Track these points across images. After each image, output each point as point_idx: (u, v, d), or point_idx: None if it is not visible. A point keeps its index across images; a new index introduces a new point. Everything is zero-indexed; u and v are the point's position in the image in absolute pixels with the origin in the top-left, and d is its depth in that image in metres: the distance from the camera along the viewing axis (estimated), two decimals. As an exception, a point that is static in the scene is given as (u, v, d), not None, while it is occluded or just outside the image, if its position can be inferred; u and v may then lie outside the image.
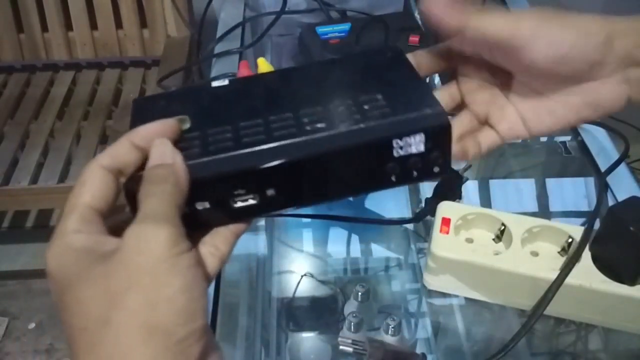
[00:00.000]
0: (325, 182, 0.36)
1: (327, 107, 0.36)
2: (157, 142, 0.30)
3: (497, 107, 0.38)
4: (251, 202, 0.34)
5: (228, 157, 0.34)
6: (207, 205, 0.34)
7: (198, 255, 0.28)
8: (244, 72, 0.61)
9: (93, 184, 0.28)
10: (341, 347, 0.52)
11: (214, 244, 0.32)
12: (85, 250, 0.27)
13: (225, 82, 0.41)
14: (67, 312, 0.26)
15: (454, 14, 0.35)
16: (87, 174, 0.28)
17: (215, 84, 0.40)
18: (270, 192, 0.34)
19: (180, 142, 0.34)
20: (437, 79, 0.81)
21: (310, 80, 0.41)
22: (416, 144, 0.35)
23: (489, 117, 0.39)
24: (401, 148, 0.35)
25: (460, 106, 0.40)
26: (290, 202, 0.36)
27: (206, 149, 0.34)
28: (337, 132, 0.34)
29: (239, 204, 0.34)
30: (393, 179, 0.36)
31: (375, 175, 0.36)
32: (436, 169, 0.36)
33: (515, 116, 0.38)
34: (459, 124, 0.39)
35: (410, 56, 0.40)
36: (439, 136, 0.35)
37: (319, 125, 0.35)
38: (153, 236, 0.26)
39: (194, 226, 0.33)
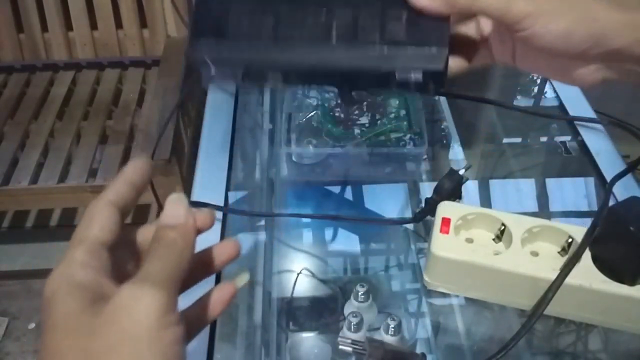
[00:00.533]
0: (342, 78, 0.45)
1: (355, 17, 0.43)
2: (173, 197, 0.31)
3: (499, 35, 0.41)
4: (278, 78, 0.44)
5: (268, 44, 0.43)
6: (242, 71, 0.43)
7: (183, 329, 0.28)
8: None
9: (101, 219, 0.29)
10: (341, 346, 0.52)
11: (199, 314, 0.33)
12: (84, 286, 0.27)
13: None
14: (45, 349, 0.26)
15: (440, 4, 0.37)
16: (95, 210, 0.30)
17: None
18: (293, 76, 0.44)
19: (235, 22, 0.43)
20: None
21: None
22: (415, 75, 0.42)
23: (490, 37, 0.41)
24: (402, 76, 0.42)
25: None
26: (309, 82, 0.48)
27: (252, 32, 0.43)
28: (355, 50, 0.42)
29: (270, 78, 0.44)
30: (394, 89, 0.43)
31: (381, 82, 0.44)
32: (431, 91, 0.43)
33: (510, 48, 0.41)
34: (461, 33, 0.42)
35: None
36: (435, 75, 0.42)
37: (343, 34, 0.42)
38: (146, 301, 0.26)
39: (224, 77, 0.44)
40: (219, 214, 0.62)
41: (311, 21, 0.44)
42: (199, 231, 0.31)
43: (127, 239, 0.31)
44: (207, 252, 0.34)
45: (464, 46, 0.42)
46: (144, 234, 0.32)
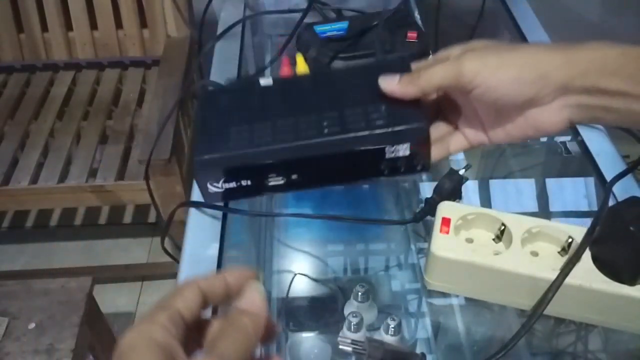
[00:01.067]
0: (335, 172, 0.49)
1: (342, 112, 0.48)
2: (253, 285, 0.33)
3: (466, 119, 0.46)
4: (280, 182, 0.49)
5: (268, 150, 0.47)
6: (249, 182, 0.49)
7: None
8: (285, 67, 0.68)
9: (187, 297, 0.32)
10: (341, 346, 0.52)
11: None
12: (162, 347, 0.28)
13: (270, 81, 0.54)
14: None
15: (405, 87, 0.44)
16: (186, 288, 0.32)
17: (262, 82, 0.53)
18: (294, 176, 0.49)
19: (239, 132, 0.49)
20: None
21: (332, 86, 0.53)
22: (403, 150, 0.47)
23: (459, 125, 0.47)
24: (392, 152, 0.47)
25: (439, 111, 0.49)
26: (307, 184, 0.49)
27: (252, 141, 0.48)
28: (347, 136, 0.47)
29: (272, 183, 0.49)
30: (385, 172, 0.48)
31: (372, 168, 0.48)
32: (419, 168, 0.48)
33: (479, 126, 0.46)
34: (435, 130, 0.48)
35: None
36: (421, 145, 0.47)
37: (334, 129, 0.47)
38: None
39: (234, 197, 0.50)
40: (220, 214, 0.62)
41: (303, 124, 0.48)
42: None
43: (199, 324, 0.33)
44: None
45: (439, 138, 0.48)
46: (214, 327, 0.34)
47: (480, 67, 0.40)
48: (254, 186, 0.50)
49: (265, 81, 0.54)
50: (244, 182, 0.49)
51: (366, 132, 0.47)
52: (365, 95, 0.49)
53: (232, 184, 0.49)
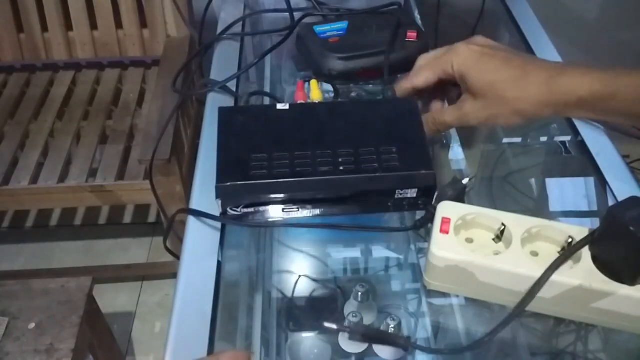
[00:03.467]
0: (347, 205, 0.54)
1: (356, 150, 0.53)
2: (241, 356, 0.38)
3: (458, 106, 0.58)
4: (294, 210, 0.54)
5: (286, 183, 0.52)
6: (266, 209, 0.53)
7: None
8: (299, 91, 0.72)
9: None
10: (325, 324, 0.53)
11: None
12: None
13: (287, 106, 0.59)
14: None
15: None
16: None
17: (279, 106, 0.59)
18: (308, 207, 0.54)
19: (258, 160, 0.53)
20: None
21: (346, 118, 0.58)
22: (411, 192, 0.53)
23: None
24: (400, 194, 0.53)
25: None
26: (320, 214, 0.55)
27: (271, 172, 0.52)
28: (360, 176, 0.52)
29: (287, 211, 0.54)
30: (391, 208, 0.55)
31: (380, 205, 0.55)
32: (421, 206, 0.55)
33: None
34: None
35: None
36: (427, 190, 0.54)
37: (349, 167, 0.52)
38: None
39: (248, 221, 0.55)
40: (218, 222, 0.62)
41: (320, 158, 0.53)
42: None
43: None
44: None
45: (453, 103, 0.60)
46: None
47: (486, 115, 0.55)
48: (270, 212, 0.54)
49: (283, 106, 0.59)
50: (261, 209, 0.53)
51: (379, 174, 0.52)
52: (378, 132, 0.55)
53: (250, 210, 0.54)
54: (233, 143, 0.55)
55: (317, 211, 0.54)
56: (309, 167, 0.52)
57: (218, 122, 0.58)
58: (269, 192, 0.52)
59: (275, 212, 0.54)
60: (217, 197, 0.53)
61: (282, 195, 0.53)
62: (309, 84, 0.73)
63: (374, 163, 0.53)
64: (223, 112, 0.60)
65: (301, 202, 0.53)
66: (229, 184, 0.53)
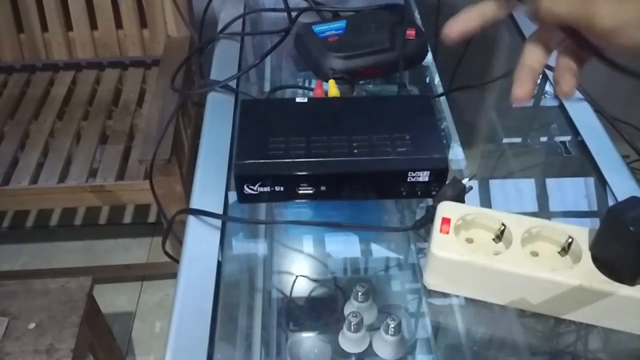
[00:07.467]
0: (359, 188, 0.56)
1: (370, 136, 0.56)
2: None
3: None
4: (309, 191, 0.55)
5: (302, 162, 0.54)
6: (282, 188, 0.55)
7: None
8: (317, 89, 0.73)
9: None
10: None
11: None
12: None
13: (305, 99, 0.62)
14: None
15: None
16: None
17: (298, 99, 0.62)
18: (322, 187, 0.55)
19: (276, 142, 0.56)
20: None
21: (362, 111, 0.60)
22: (423, 176, 0.54)
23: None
24: (413, 177, 0.54)
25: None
26: (333, 196, 0.56)
27: (288, 152, 0.55)
28: (374, 158, 0.54)
29: (302, 191, 0.55)
30: (404, 193, 0.56)
31: (393, 189, 0.56)
32: (434, 192, 0.56)
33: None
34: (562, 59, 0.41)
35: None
36: (439, 174, 0.55)
37: (363, 150, 0.54)
38: None
39: (265, 200, 0.57)
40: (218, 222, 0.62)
41: (335, 142, 0.55)
42: None
43: None
44: None
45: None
46: None
47: (617, 24, 0.36)
48: (286, 192, 0.55)
49: (301, 99, 0.62)
50: (277, 188, 0.55)
51: (392, 157, 0.53)
52: (392, 123, 0.57)
53: (267, 188, 0.55)
54: (252, 128, 0.58)
55: (331, 193, 0.56)
56: (325, 149, 0.55)
57: (240, 114, 0.61)
58: (285, 170, 0.54)
59: (290, 193, 0.56)
60: (235, 174, 0.55)
61: (297, 173, 0.54)
62: (327, 83, 0.74)
63: (387, 147, 0.55)
64: (245, 103, 0.63)
65: (316, 182, 0.54)
66: (247, 161, 0.54)
